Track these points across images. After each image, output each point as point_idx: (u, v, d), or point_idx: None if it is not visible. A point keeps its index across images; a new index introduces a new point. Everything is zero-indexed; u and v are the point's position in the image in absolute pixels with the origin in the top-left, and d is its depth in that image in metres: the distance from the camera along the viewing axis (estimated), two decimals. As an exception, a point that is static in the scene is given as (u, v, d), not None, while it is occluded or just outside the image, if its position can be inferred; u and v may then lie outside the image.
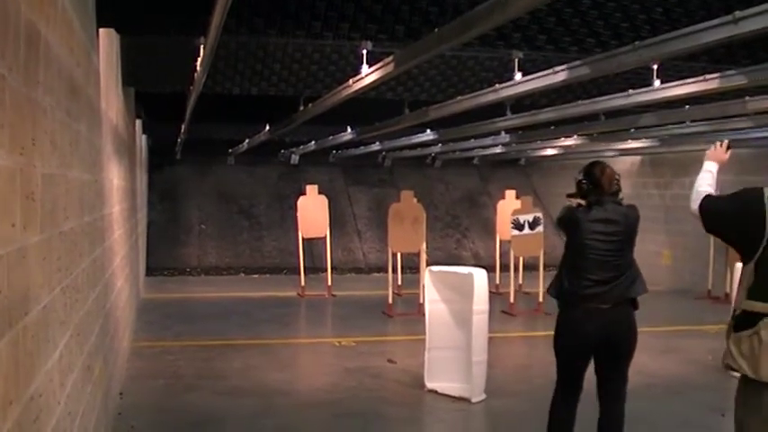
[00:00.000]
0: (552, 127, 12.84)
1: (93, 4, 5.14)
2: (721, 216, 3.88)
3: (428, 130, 13.92)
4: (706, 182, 4.21)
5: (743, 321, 3.59)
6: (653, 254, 16.80)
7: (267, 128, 14.12)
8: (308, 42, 7.27)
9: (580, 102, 9.65)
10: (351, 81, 8.00)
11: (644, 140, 14.10)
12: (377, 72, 7.15)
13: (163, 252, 18.03)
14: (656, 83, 7.70)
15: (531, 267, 14.48)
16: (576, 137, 14.22)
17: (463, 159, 20.90)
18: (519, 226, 12.53)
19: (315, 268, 16.68)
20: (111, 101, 6.86)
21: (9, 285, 2.31)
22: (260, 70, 8.81)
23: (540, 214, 12.79)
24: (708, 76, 7.29)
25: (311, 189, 14.75)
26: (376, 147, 17.29)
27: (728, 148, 4.47)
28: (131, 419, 6.61)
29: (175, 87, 9.72)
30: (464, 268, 7.91)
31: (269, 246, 19.06)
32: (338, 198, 19.81)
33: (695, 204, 4.03)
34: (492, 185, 21.27)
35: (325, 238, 14.72)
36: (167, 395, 7.60)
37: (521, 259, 14.03)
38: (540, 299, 12.56)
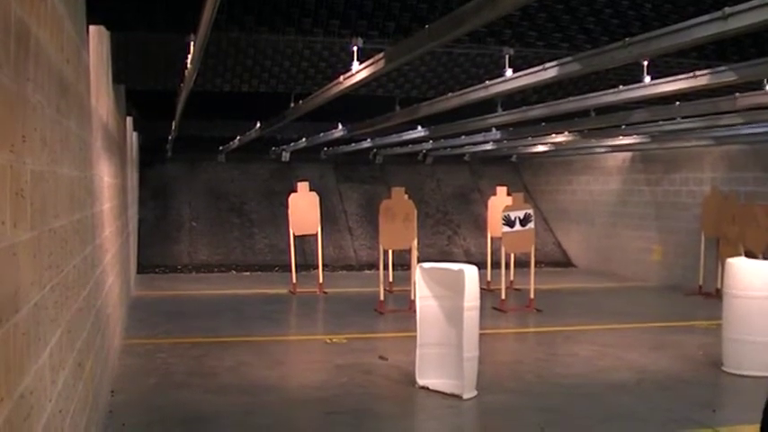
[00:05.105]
0: (543, 123, 12.86)
1: (83, 1, 5.12)
2: None
3: (419, 127, 13.94)
4: None
5: None
6: (643, 250, 16.87)
7: (258, 125, 14.11)
8: (298, 39, 7.27)
9: (571, 98, 9.67)
10: (341, 78, 8.00)
11: (635, 137, 14.13)
12: (367, 69, 7.15)
13: (154, 249, 17.99)
14: (647, 79, 7.71)
15: (522, 264, 14.51)
16: (566, 133, 14.24)
17: (454, 156, 20.93)
18: (510, 222, 12.54)
19: (306, 265, 16.68)
20: (102, 98, 6.84)
21: (-1, 283, 2.31)
22: (251, 67, 8.80)
23: (530, 211, 12.80)
24: (698, 73, 7.32)
25: (302, 186, 14.73)
26: (367, 144, 17.31)
27: None
28: (123, 417, 6.60)
29: (166, 85, 9.71)
30: (455, 265, 7.90)
31: (260, 243, 19.04)
32: (329, 195, 19.81)
33: None
34: (483, 182, 21.30)
35: (316, 235, 14.73)
36: (158, 392, 7.58)
37: (512, 256, 14.06)
38: (532, 295, 12.59)
